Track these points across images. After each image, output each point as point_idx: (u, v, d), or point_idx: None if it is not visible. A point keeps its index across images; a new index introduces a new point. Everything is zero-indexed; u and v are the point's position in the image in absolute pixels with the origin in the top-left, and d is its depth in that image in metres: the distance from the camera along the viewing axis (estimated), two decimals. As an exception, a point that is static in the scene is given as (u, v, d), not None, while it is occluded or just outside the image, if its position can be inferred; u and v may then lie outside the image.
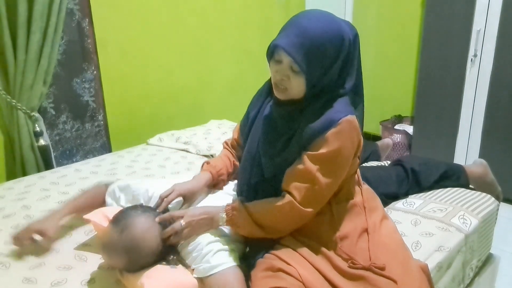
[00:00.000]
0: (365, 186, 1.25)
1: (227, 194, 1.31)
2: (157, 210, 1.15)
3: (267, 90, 1.21)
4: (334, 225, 1.09)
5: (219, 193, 1.32)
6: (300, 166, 1.02)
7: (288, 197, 1.03)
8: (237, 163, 1.33)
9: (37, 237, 1.23)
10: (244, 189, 1.20)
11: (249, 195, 1.16)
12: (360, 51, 1.08)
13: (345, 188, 1.13)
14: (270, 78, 1.15)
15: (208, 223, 1.11)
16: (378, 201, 1.26)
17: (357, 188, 1.18)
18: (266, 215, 1.06)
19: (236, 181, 1.32)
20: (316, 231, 1.10)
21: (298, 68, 0.98)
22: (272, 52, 1.02)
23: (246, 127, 1.24)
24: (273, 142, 1.11)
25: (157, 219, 1.10)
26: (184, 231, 1.09)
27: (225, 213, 1.09)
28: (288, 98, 1.05)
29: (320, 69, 1.00)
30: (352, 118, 1.02)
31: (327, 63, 0.99)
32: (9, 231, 1.38)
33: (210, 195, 1.30)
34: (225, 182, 1.31)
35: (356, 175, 1.18)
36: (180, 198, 1.21)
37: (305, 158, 1.02)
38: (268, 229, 1.07)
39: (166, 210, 1.20)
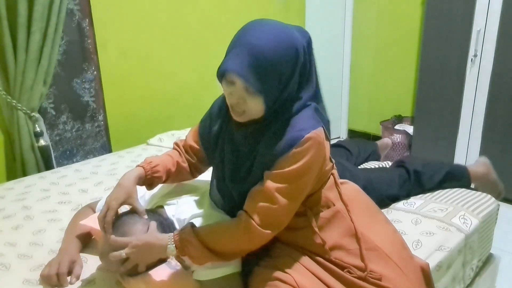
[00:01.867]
0: (345, 186, 1.17)
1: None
2: (111, 230, 1.03)
3: (226, 107, 1.10)
4: (319, 238, 1.05)
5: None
6: (260, 186, 0.97)
7: (246, 219, 0.97)
8: (184, 165, 1.21)
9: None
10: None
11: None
12: (314, 54, 1.01)
13: (322, 197, 1.08)
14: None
15: (152, 254, 1.01)
16: (363, 198, 1.21)
17: (335, 192, 1.12)
18: (224, 241, 0.98)
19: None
20: (303, 245, 1.07)
21: (253, 89, 0.90)
22: (222, 74, 0.95)
23: (208, 141, 1.16)
24: (237, 168, 1.06)
25: (111, 255, 0.98)
26: (126, 264, 1.00)
27: (173, 244, 0.98)
28: (247, 120, 0.99)
29: (277, 87, 0.93)
30: (315, 133, 0.96)
31: (284, 78, 0.93)
32: (9, 232, 1.38)
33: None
34: (162, 180, 1.16)
35: (332, 178, 1.12)
36: (124, 207, 1.11)
37: (266, 177, 0.97)
38: (225, 255, 0.99)
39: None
